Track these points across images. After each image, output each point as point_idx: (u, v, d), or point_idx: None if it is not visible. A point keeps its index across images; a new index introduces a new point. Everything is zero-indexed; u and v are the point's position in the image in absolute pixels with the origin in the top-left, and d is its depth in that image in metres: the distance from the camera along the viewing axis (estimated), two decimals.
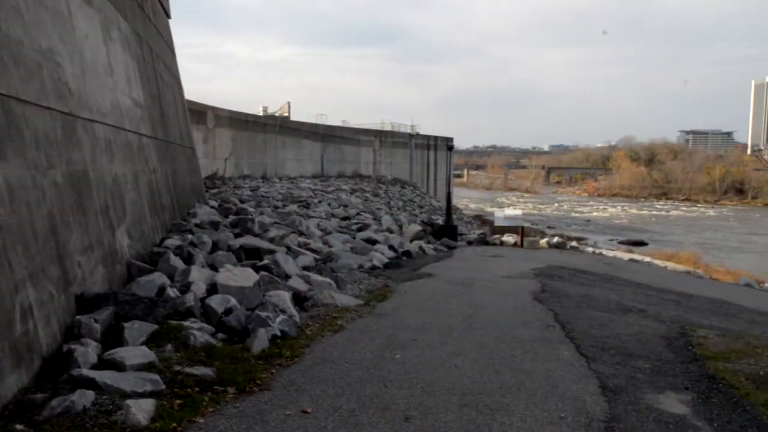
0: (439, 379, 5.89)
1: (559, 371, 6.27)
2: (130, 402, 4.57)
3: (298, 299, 8.82)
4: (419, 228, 20.25)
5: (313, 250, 12.89)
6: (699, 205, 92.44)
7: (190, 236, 10.59)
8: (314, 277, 10.15)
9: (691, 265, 27.53)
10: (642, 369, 6.45)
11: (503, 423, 4.93)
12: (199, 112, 26.07)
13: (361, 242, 15.55)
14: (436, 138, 59.14)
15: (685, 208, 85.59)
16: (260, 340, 6.48)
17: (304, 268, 10.90)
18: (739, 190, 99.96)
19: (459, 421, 4.94)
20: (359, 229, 18.16)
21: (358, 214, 22.28)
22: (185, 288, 7.62)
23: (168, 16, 16.44)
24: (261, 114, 42.51)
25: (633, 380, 6.07)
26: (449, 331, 7.71)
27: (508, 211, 23.64)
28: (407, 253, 15.74)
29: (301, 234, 14.54)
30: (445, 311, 8.88)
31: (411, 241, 17.96)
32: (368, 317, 8.29)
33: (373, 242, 16.03)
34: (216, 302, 7.28)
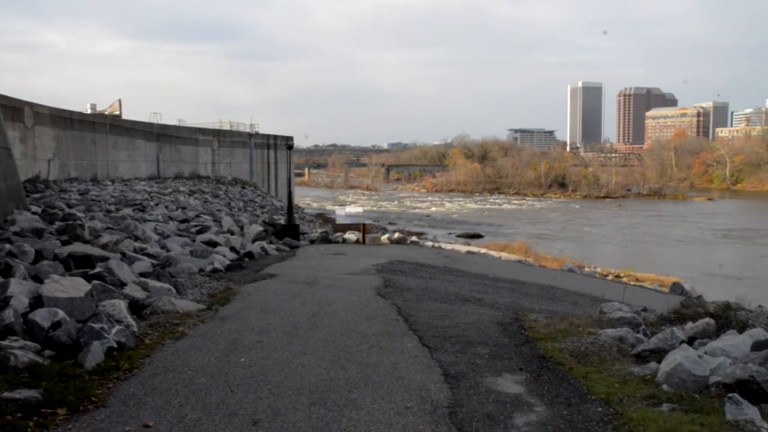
0: (287, 380, 5.84)
1: (403, 363, 6.45)
2: None
3: (136, 307, 8.36)
4: (261, 228, 19.98)
5: (150, 255, 12.31)
6: (528, 198, 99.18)
7: (8, 246, 9.70)
8: (152, 283, 9.68)
9: (522, 254, 29.49)
10: (481, 355, 6.80)
11: (352, 418, 4.99)
12: (15, 109, 23.89)
13: (202, 245, 15.08)
14: (276, 137, 58.53)
15: (516, 202, 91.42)
16: (94, 354, 6.06)
17: (141, 274, 10.37)
18: (562, 184, 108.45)
19: (308, 420, 4.93)
20: (199, 232, 17.60)
21: (197, 216, 21.56)
22: (3, 303, 6.97)
23: None
24: (89, 112, 39.88)
25: (473, 366, 6.38)
26: (295, 331, 7.67)
27: (350, 208, 23.90)
28: (249, 255, 15.47)
29: (136, 239, 13.83)
30: (290, 311, 8.82)
31: (253, 242, 17.67)
32: (211, 322, 8.04)
33: (214, 244, 15.61)
34: (41, 316, 6.70)
